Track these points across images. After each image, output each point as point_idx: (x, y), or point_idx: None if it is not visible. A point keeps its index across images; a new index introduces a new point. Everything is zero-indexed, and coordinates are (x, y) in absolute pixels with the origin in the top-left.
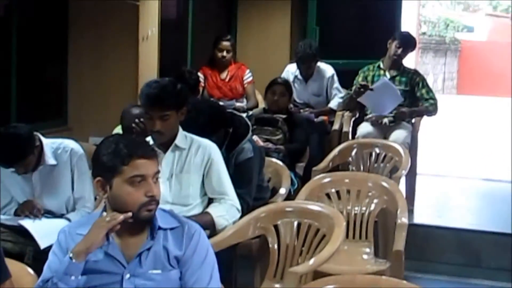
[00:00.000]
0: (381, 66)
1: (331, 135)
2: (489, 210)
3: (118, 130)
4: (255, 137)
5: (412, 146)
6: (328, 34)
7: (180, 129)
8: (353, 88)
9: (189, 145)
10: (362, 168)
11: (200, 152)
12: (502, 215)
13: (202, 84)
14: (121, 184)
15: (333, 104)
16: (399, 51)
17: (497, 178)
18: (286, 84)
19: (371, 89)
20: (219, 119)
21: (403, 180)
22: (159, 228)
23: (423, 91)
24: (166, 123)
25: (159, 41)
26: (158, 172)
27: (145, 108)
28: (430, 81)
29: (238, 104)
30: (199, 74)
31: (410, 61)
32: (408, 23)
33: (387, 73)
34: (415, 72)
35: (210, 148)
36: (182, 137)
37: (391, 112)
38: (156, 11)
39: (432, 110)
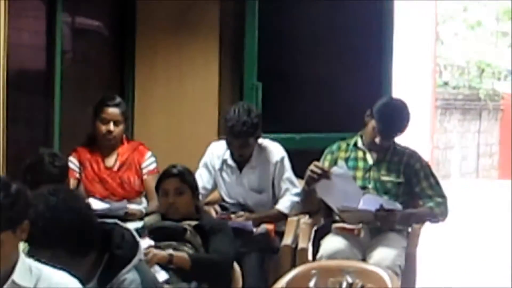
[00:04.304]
0: (359, 144)
1: (280, 255)
2: None
3: None
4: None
5: (407, 272)
6: (277, 95)
7: (22, 256)
8: (306, 175)
9: (35, 283)
10: None
11: None
12: None
13: (77, 175)
14: None
15: (283, 205)
16: (379, 139)
17: None
18: (184, 175)
19: (327, 177)
20: (86, 235)
21: None
22: None
23: (425, 184)
24: None
25: (3, 108)
26: None
27: None
28: (456, 158)
29: (132, 206)
30: (72, 159)
31: (423, 128)
32: (420, 69)
33: (368, 156)
34: (413, 155)
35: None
36: (25, 270)
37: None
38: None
39: (439, 213)
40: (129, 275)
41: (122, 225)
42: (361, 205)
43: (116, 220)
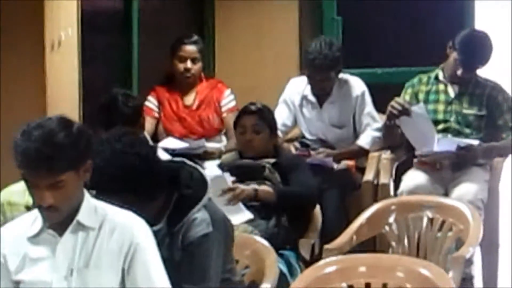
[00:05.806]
0: (440, 77)
1: (361, 191)
2: None
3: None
4: None
5: (490, 206)
6: (358, 29)
7: (87, 197)
8: (387, 110)
9: (100, 223)
10: (407, 243)
11: (117, 234)
12: None
13: (156, 115)
14: None
15: (364, 140)
16: (461, 71)
17: None
18: (263, 112)
19: (408, 114)
20: (152, 180)
21: (478, 260)
22: None
23: (508, 117)
24: (60, 192)
25: (79, 49)
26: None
27: (25, 172)
28: None
29: (211, 145)
30: (150, 98)
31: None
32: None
33: (449, 89)
34: (495, 87)
35: (133, 228)
36: (90, 210)
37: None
38: (74, 3)
39: None
40: (199, 214)
41: (190, 164)
42: (436, 148)
43: (183, 159)
